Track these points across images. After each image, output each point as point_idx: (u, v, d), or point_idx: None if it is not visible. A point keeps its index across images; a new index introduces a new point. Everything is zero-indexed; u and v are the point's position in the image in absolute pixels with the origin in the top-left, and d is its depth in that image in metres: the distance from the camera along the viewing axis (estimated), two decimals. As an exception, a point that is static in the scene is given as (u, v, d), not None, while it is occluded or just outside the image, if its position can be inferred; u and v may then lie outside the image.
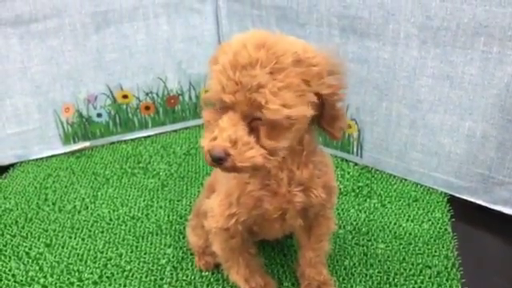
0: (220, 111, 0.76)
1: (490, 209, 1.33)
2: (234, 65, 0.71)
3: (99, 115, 1.71)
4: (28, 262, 1.22)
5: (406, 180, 1.48)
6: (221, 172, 0.94)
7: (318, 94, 0.75)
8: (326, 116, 0.80)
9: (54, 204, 1.43)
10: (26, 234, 1.31)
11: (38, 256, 1.24)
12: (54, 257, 1.23)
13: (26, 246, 1.27)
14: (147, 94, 1.75)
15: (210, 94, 0.76)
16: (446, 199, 1.39)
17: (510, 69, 1.16)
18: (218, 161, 0.74)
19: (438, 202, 1.38)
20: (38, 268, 1.20)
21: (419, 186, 1.45)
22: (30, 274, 1.18)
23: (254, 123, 0.74)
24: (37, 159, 1.66)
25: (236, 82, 0.71)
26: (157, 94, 1.76)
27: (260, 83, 0.70)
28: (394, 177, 1.50)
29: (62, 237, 1.30)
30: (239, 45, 0.73)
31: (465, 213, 1.34)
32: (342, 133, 0.85)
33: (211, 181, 1.08)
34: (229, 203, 0.91)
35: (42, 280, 1.16)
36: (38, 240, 1.29)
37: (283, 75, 0.71)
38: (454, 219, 1.32)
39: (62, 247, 1.26)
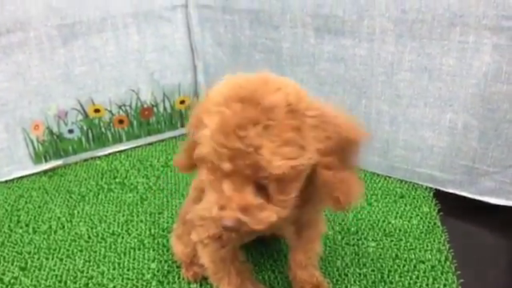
0: (218, 173, 0.71)
1: (476, 200, 1.32)
2: (223, 129, 0.66)
3: (71, 131, 1.65)
4: (2, 287, 1.14)
5: (389, 177, 1.46)
6: None
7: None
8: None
9: (27, 225, 1.36)
10: (-1, 258, 1.24)
11: (12, 281, 1.16)
12: (31, 280, 1.16)
13: (-1, 272, 1.19)
14: (120, 107, 1.70)
15: (203, 157, 0.70)
16: (431, 194, 1.38)
17: (487, 57, 1.16)
18: (232, 229, 0.70)
19: (424, 197, 1.36)
20: (13, 293, 1.12)
21: (403, 183, 1.43)
22: (5, 300, 1.11)
23: (260, 182, 0.69)
24: (7, 181, 1.58)
25: (231, 148, 0.65)
26: (130, 107, 1.71)
27: (256, 145, 0.64)
28: (378, 175, 1.48)
29: (38, 259, 1.23)
30: (222, 102, 0.67)
31: (452, 206, 1.33)
32: (343, 203, 0.76)
33: (198, 183, 1.01)
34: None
35: (18, 305, 1.09)
36: (12, 264, 1.21)
37: (278, 130, 0.65)
38: (441, 213, 1.30)
39: (39, 269, 1.19)
